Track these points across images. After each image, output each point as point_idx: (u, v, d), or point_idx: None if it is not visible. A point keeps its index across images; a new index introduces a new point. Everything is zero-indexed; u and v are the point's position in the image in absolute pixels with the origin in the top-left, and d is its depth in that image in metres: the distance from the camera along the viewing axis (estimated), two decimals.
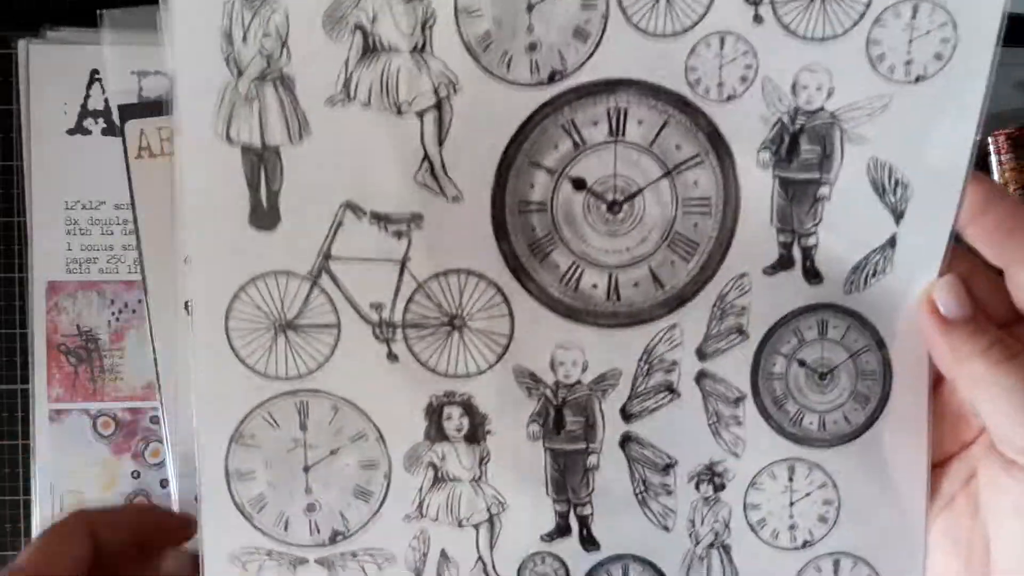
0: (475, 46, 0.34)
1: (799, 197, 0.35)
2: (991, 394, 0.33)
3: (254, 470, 0.37)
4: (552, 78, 0.34)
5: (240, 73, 0.34)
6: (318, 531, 0.38)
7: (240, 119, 0.35)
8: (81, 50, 0.46)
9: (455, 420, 0.37)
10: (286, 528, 0.38)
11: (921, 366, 0.36)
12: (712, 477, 0.37)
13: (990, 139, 0.48)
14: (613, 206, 0.36)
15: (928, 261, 0.35)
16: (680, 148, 0.35)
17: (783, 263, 0.36)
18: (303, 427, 0.37)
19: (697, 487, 0.38)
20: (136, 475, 0.47)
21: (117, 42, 0.44)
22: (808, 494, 0.37)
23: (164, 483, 0.47)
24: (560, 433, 0.37)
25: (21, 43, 0.46)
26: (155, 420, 0.47)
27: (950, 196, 0.34)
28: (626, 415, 0.37)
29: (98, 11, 0.42)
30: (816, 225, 0.35)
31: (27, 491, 0.48)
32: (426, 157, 0.35)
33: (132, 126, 0.44)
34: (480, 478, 0.38)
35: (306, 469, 0.38)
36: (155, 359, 0.44)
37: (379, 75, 0.35)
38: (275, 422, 0.37)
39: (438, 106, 0.35)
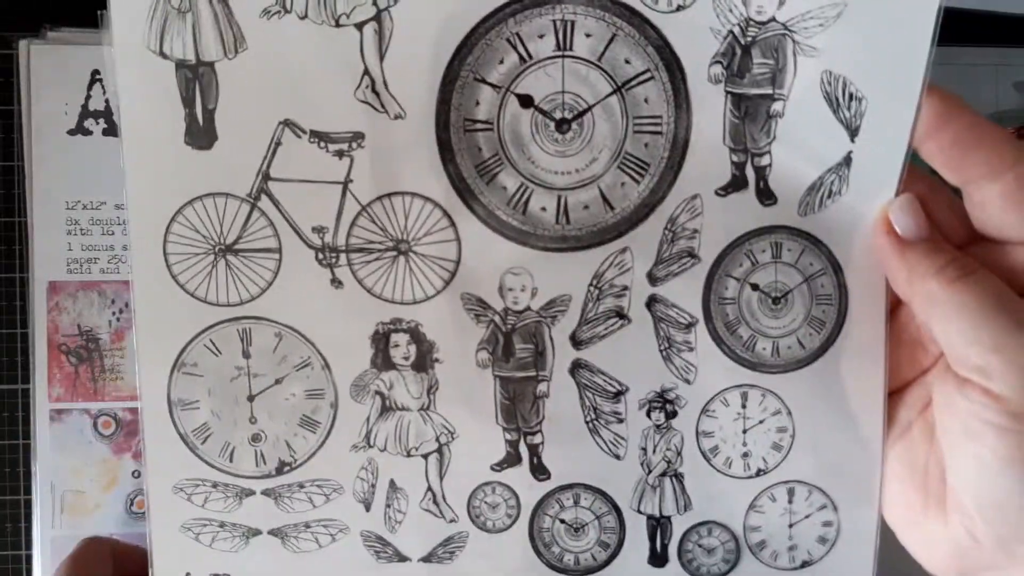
0: None
1: (752, 114, 0.34)
2: (945, 313, 0.32)
3: (197, 399, 0.37)
4: None
5: None
6: (264, 462, 0.37)
7: (173, 33, 0.34)
8: (82, 50, 0.46)
9: (402, 348, 0.36)
10: (231, 458, 0.37)
11: (878, 290, 0.35)
12: (664, 404, 0.37)
13: None
14: (562, 124, 0.35)
15: (884, 180, 0.34)
16: (630, 63, 0.34)
17: (736, 184, 0.35)
18: (246, 355, 0.36)
19: (648, 414, 0.37)
20: (136, 475, 0.48)
21: None
22: (762, 421, 0.37)
23: None
24: (509, 361, 0.36)
25: (22, 43, 0.47)
26: None
27: (906, 110, 0.33)
28: (576, 342, 0.36)
29: (98, 11, 0.41)
30: (770, 144, 0.34)
31: (27, 491, 0.48)
32: (366, 72, 0.34)
33: None
34: (428, 407, 0.37)
35: (250, 398, 0.37)
36: None
37: None
38: (217, 350, 0.36)
39: (377, 18, 0.33)
